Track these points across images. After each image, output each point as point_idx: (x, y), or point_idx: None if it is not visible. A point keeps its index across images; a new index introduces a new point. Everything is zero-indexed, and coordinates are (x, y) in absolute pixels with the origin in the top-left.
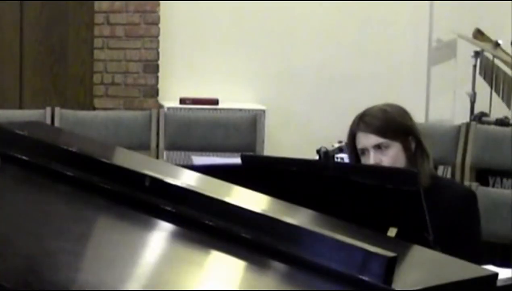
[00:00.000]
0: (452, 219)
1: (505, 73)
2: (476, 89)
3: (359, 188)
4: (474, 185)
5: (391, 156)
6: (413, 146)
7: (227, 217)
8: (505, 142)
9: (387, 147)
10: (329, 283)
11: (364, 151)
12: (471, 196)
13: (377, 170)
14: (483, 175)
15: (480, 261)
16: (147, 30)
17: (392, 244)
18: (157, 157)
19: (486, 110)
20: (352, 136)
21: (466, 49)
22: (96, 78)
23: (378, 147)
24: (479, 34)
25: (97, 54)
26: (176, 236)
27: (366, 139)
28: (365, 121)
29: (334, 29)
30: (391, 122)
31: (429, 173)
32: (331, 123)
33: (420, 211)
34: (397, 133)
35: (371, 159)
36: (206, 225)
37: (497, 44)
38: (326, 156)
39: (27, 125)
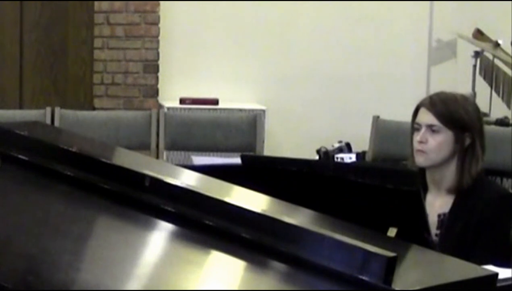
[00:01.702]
0: (482, 220)
1: (505, 73)
2: (476, 89)
3: (359, 188)
4: None
5: (438, 141)
6: (466, 143)
7: (227, 217)
8: (505, 142)
9: (438, 131)
10: (329, 283)
11: (419, 126)
12: (505, 199)
13: (377, 170)
14: (482, 176)
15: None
16: (147, 30)
17: (392, 244)
18: (157, 157)
19: (486, 110)
20: (416, 110)
21: (466, 49)
22: (96, 78)
23: (430, 127)
24: (479, 34)
25: (97, 54)
26: (176, 236)
27: (424, 116)
28: (432, 99)
29: (334, 29)
30: (453, 111)
31: (474, 175)
32: (331, 123)
33: (420, 211)
34: (453, 124)
35: (420, 135)
36: (206, 225)
37: (497, 44)
38: (326, 156)
39: (27, 125)
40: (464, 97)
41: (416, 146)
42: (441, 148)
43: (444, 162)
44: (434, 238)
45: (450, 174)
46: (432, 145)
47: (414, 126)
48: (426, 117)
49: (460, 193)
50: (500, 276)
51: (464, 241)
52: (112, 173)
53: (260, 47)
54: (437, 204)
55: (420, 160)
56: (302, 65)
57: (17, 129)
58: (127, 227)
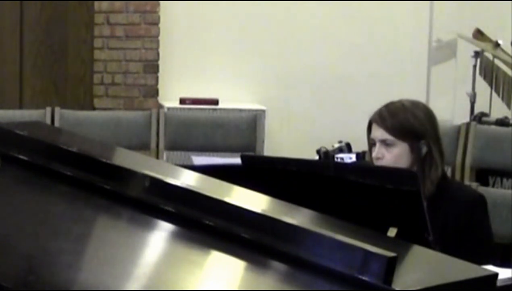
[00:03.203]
0: (460, 223)
1: (505, 73)
2: (476, 89)
3: (359, 188)
4: (474, 185)
5: (394, 154)
6: (423, 150)
7: (227, 217)
8: (505, 142)
9: (392, 144)
10: (329, 283)
11: (373, 141)
12: (480, 200)
13: (377, 170)
14: (483, 175)
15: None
16: (147, 30)
17: (392, 244)
18: (157, 157)
19: (486, 110)
20: (369, 125)
21: (466, 49)
22: (96, 78)
23: (384, 141)
24: (479, 34)
25: (97, 54)
26: (176, 236)
27: (376, 132)
28: (381, 114)
29: (334, 29)
30: (403, 123)
31: (436, 181)
32: (331, 123)
33: (420, 211)
34: (407, 135)
35: (375, 151)
36: (206, 225)
37: (497, 44)
38: (326, 156)
39: (27, 125)
40: (413, 104)
41: (374, 162)
42: (398, 161)
43: None
44: None
45: None
46: (389, 159)
47: (370, 142)
48: (378, 132)
49: (428, 201)
50: (500, 276)
51: (444, 249)
52: (112, 173)
53: (260, 47)
54: None
55: None
56: (302, 65)
57: (17, 129)
58: (127, 227)
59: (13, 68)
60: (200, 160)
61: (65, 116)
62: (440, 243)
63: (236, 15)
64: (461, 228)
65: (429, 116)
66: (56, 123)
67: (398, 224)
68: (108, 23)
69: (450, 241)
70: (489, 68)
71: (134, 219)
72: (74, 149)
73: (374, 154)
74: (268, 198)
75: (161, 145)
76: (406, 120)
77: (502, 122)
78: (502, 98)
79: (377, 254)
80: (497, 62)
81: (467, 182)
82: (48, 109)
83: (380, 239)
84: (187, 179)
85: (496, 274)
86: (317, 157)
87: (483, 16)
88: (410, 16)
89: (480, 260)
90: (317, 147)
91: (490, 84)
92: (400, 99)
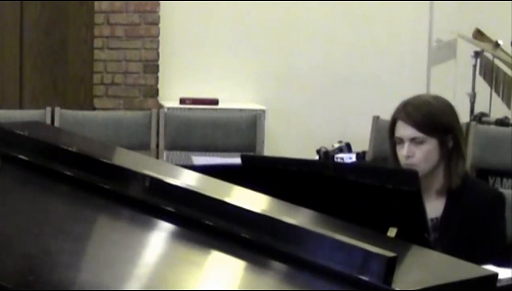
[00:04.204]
0: (478, 220)
1: (505, 73)
2: (476, 89)
3: (359, 188)
4: None
5: (425, 150)
6: (450, 144)
7: (227, 217)
8: (505, 142)
9: (422, 141)
10: (329, 283)
11: (401, 140)
12: (499, 197)
13: (377, 170)
14: (483, 175)
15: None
16: (147, 30)
17: (392, 244)
18: (157, 157)
19: (486, 110)
20: (392, 123)
21: (466, 49)
22: (96, 78)
23: (414, 139)
24: (479, 34)
25: (97, 54)
26: (176, 236)
27: (404, 130)
28: (407, 111)
29: (334, 29)
30: (432, 118)
31: (462, 174)
32: (331, 123)
33: (420, 211)
34: (435, 131)
35: (405, 150)
36: (206, 225)
37: (497, 44)
38: (326, 156)
39: (27, 125)
40: (436, 99)
41: (404, 160)
42: (429, 157)
43: (433, 168)
44: None
45: (438, 177)
46: (420, 156)
47: (395, 140)
48: (407, 131)
49: (451, 194)
50: (500, 276)
51: (461, 243)
52: (112, 173)
53: (260, 47)
54: (428, 209)
55: None
56: (302, 65)
57: (17, 129)
58: (127, 227)
59: (13, 68)
60: (200, 160)
61: (65, 116)
62: (456, 236)
63: (236, 15)
64: (479, 223)
65: (453, 110)
66: (56, 123)
67: (398, 224)
68: (108, 23)
69: (467, 235)
70: (489, 68)
71: (134, 219)
72: (74, 149)
73: (404, 152)
74: (268, 198)
75: (161, 145)
76: (434, 117)
77: (502, 122)
78: (502, 98)
79: (377, 254)
80: (497, 62)
81: None
82: (48, 109)
83: (380, 239)
84: (187, 179)
85: (496, 274)
86: (317, 157)
87: (483, 16)
88: (410, 16)
89: (494, 256)
90: (317, 147)
91: (490, 84)
92: (420, 94)
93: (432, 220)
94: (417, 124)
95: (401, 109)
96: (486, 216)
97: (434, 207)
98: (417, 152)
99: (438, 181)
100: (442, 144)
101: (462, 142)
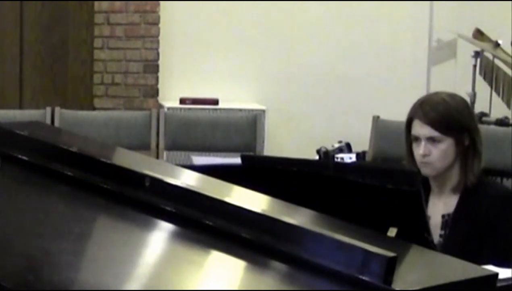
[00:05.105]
0: (489, 218)
1: (505, 73)
2: (476, 89)
3: (359, 188)
4: None
5: (441, 149)
6: (466, 143)
7: (227, 217)
8: (505, 142)
9: (439, 140)
10: (329, 283)
11: (417, 138)
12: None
13: (377, 170)
14: (483, 174)
15: None
16: (147, 30)
17: (392, 244)
18: (157, 157)
19: (486, 110)
20: (409, 121)
21: (466, 49)
22: (96, 78)
23: (430, 138)
24: (479, 34)
25: (97, 54)
26: (176, 236)
27: (421, 129)
28: (424, 110)
29: (334, 29)
30: (448, 117)
31: (477, 173)
32: (331, 123)
33: (420, 211)
34: (452, 130)
35: (421, 149)
36: (206, 225)
37: (497, 44)
38: (326, 156)
39: (27, 125)
40: (452, 97)
41: (420, 159)
42: (445, 155)
43: (449, 167)
44: (438, 238)
45: (454, 175)
46: (436, 155)
47: (412, 139)
48: (424, 130)
49: (465, 192)
50: (500, 276)
51: (470, 241)
52: (112, 173)
53: (260, 47)
54: (441, 205)
55: (427, 171)
56: (302, 65)
57: (17, 129)
58: (127, 227)
59: (13, 68)
60: (200, 159)
61: (65, 116)
62: (467, 233)
63: (236, 15)
64: (490, 222)
65: (469, 108)
66: (56, 123)
67: (398, 224)
68: (108, 23)
69: (477, 233)
70: (489, 68)
71: (134, 219)
72: (74, 149)
73: (420, 151)
74: (268, 198)
75: (161, 145)
76: (451, 116)
77: (502, 122)
78: (502, 98)
79: (377, 254)
80: (497, 62)
81: None
82: (48, 109)
83: (380, 239)
84: (187, 179)
85: (496, 274)
86: (317, 157)
87: (483, 16)
88: (410, 16)
89: (504, 255)
90: (317, 147)
91: (490, 84)
92: (436, 92)
93: (443, 216)
94: (434, 123)
95: (417, 107)
96: (497, 215)
97: (447, 204)
98: (433, 151)
99: (454, 178)
100: (458, 143)
101: (478, 140)
